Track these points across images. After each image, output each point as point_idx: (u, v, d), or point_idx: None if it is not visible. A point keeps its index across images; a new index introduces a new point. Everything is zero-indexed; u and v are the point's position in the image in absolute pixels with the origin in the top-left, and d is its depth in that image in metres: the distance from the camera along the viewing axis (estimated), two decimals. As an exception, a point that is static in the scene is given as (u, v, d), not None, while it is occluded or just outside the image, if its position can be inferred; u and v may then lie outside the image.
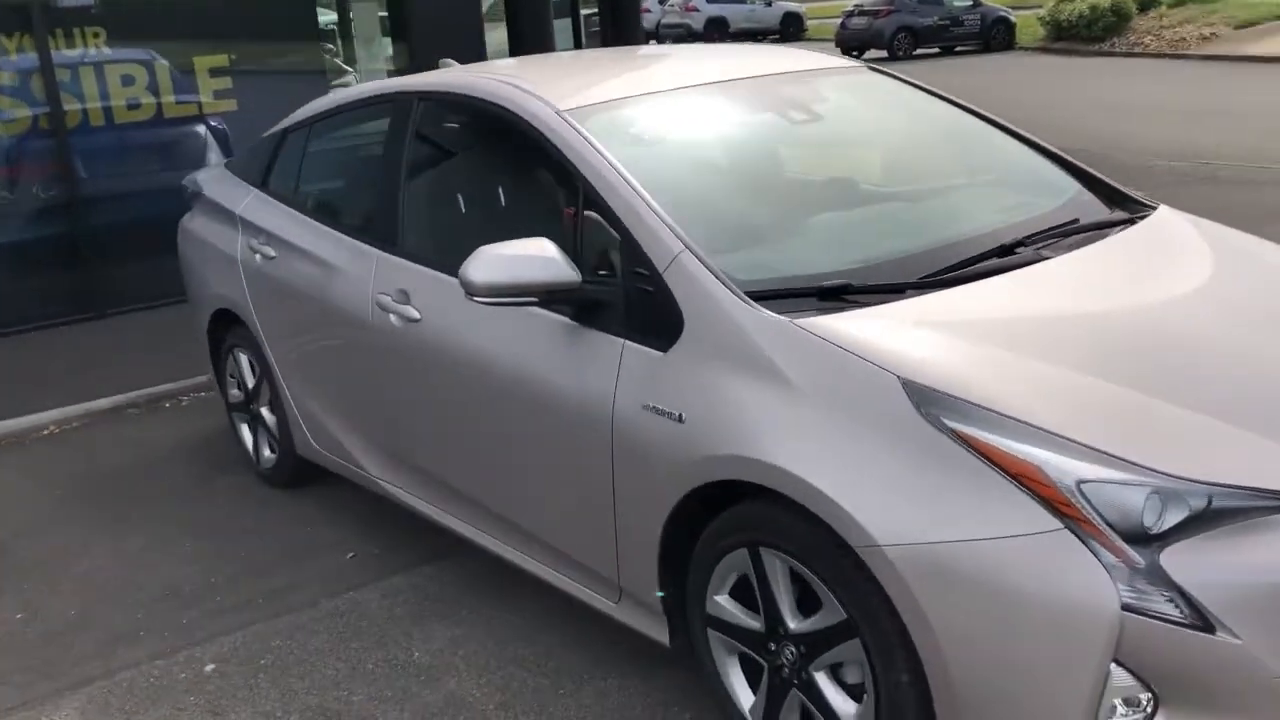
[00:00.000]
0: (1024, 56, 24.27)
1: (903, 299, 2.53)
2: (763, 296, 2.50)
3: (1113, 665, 1.96)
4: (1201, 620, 1.93)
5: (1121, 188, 3.31)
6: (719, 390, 2.43)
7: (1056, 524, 2.00)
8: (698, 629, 2.67)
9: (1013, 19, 26.94)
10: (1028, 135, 3.50)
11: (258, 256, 4.11)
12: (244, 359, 4.43)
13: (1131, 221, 3.05)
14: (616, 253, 2.77)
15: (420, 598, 3.56)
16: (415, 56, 7.71)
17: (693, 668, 2.97)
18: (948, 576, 2.06)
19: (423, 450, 3.43)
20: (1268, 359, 2.39)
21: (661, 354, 2.57)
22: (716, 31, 32.53)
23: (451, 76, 3.62)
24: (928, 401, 2.17)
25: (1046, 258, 2.75)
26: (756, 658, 2.53)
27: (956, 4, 26.52)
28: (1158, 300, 2.60)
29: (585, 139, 2.88)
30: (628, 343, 2.65)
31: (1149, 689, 1.99)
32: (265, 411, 4.40)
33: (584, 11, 11.50)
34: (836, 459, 2.23)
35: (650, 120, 3.15)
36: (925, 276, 2.62)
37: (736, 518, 2.47)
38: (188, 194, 4.82)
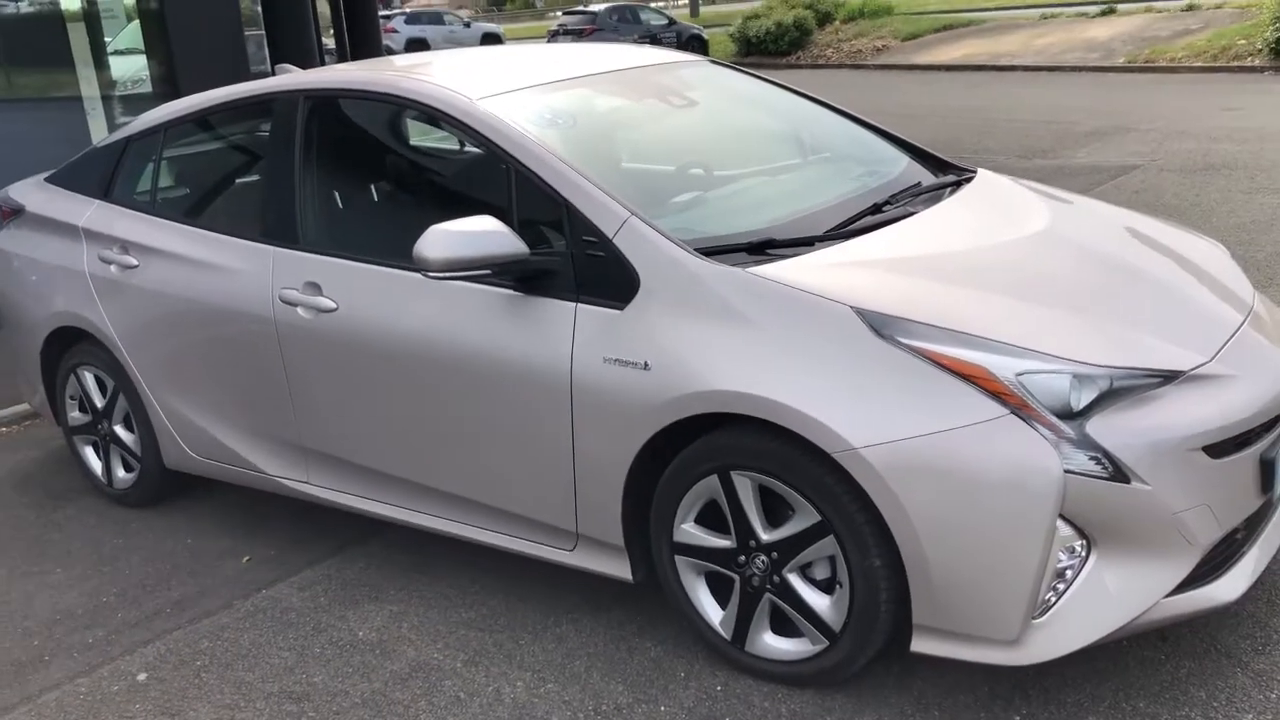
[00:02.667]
0: (720, 70, 25.77)
1: (814, 250, 2.92)
2: (703, 253, 2.82)
3: (1058, 520, 2.42)
4: (1120, 474, 2.42)
5: (942, 155, 3.87)
6: (684, 336, 2.73)
7: (1003, 410, 2.44)
8: (665, 558, 2.94)
9: (705, 36, 28.61)
10: (855, 114, 4.02)
11: (113, 267, 4.01)
12: (89, 377, 4.28)
13: (961, 182, 3.59)
14: (552, 225, 3.01)
15: (339, 586, 3.62)
16: (176, 72, 7.48)
17: (638, 603, 3.27)
18: (917, 466, 2.45)
19: (341, 437, 3.50)
20: (1119, 276, 2.97)
21: (618, 311, 2.84)
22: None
23: (339, 75, 3.72)
24: (882, 324, 2.56)
25: (914, 212, 3.23)
26: (727, 573, 2.84)
27: (654, 23, 27.91)
28: (1021, 236, 3.14)
29: (511, 124, 3.11)
30: (580, 305, 2.90)
31: (1083, 536, 2.46)
32: (120, 429, 4.26)
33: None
34: (805, 382, 2.58)
35: (552, 107, 3.39)
36: (828, 231, 3.03)
37: (706, 448, 2.77)
38: (0, 212, 4.57)
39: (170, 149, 4.07)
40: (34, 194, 4.44)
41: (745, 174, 3.54)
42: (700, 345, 2.71)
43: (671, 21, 28.93)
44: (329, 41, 12.22)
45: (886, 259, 2.90)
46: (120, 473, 4.35)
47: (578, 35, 27.22)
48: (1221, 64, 15.71)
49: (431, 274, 2.92)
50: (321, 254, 3.43)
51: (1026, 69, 18.59)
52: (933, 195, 3.43)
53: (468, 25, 36.59)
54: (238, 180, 4.11)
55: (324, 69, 4.06)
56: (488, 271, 2.93)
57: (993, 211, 3.35)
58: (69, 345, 4.31)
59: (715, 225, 3.08)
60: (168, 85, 7.57)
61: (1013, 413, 2.43)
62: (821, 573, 2.73)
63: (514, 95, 3.31)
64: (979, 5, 28.90)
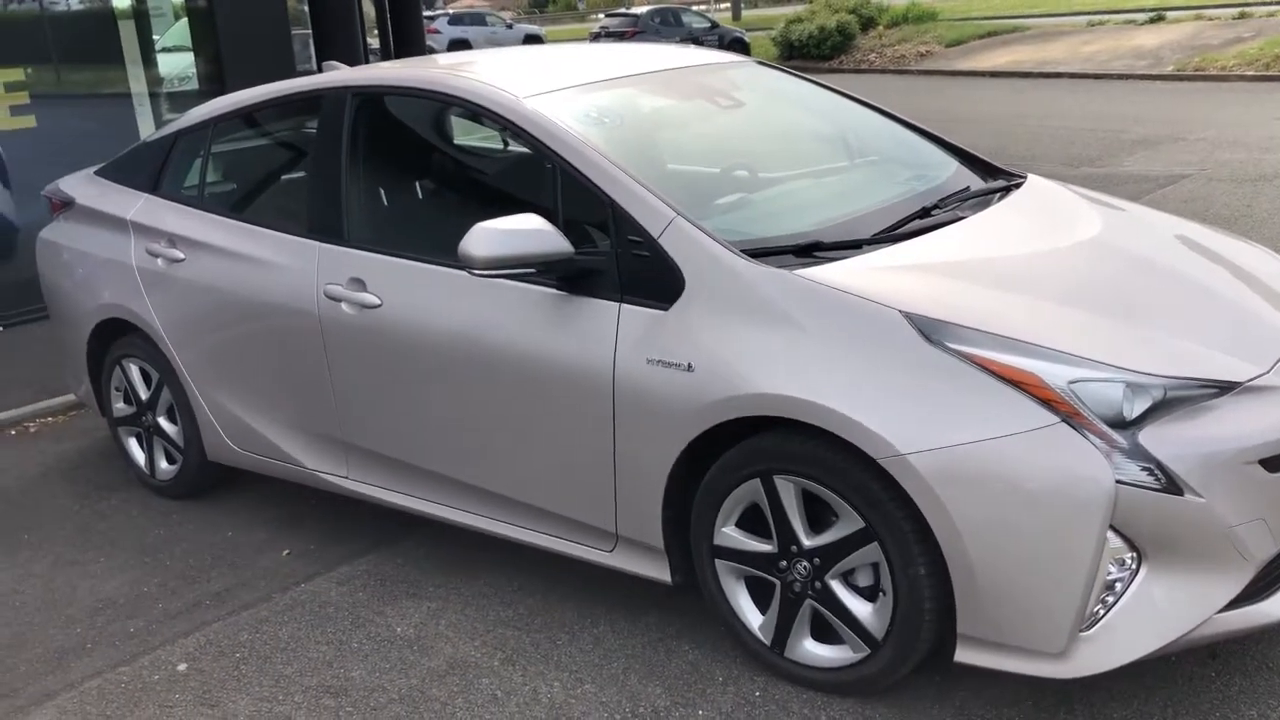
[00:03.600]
0: (762, 74, 25.69)
1: (862, 253, 2.89)
2: (749, 254, 2.80)
3: (1109, 532, 2.37)
4: (1174, 485, 2.37)
5: (992, 160, 3.82)
6: (729, 338, 2.71)
7: (1054, 419, 2.39)
8: (705, 561, 2.92)
9: (747, 39, 28.55)
10: (902, 117, 3.97)
11: (160, 260, 4.04)
12: (134, 369, 4.31)
13: (1010, 188, 3.53)
14: (597, 224, 3.00)
15: (378, 582, 3.63)
16: (224, 70, 7.56)
17: (676, 606, 3.25)
18: (966, 473, 2.42)
19: (382, 433, 3.51)
20: (1171, 284, 2.92)
21: (662, 312, 2.82)
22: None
23: (387, 72, 3.73)
24: (932, 330, 2.53)
25: (963, 217, 3.19)
26: (768, 578, 2.82)
27: (696, 25, 27.88)
28: (1072, 243, 3.09)
29: (557, 123, 3.10)
30: (624, 305, 2.89)
31: (1134, 548, 2.41)
32: (163, 421, 4.30)
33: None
34: (853, 386, 2.55)
35: (598, 106, 3.38)
36: (876, 234, 3.00)
37: (748, 452, 2.74)
38: (51, 204, 4.63)
39: (218, 144, 4.10)
40: (83, 187, 4.49)
41: (791, 176, 3.51)
42: (745, 347, 2.68)
43: (714, 24, 28.93)
44: (373, 41, 12.32)
45: (935, 263, 2.87)
46: (163, 464, 4.38)
47: (620, 37, 27.25)
48: (1274, 73, 15.46)
49: (476, 271, 2.92)
50: (367, 250, 3.44)
51: (1073, 76, 18.39)
52: (982, 200, 3.38)
53: (510, 27, 36.76)
54: (284, 176, 4.13)
55: (371, 66, 4.08)
56: (532, 270, 2.92)
57: (1043, 217, 3.30)
58: (115, 337, 4.35)
59: (761, 227, 3.05)
60: (215, 82, 7.65)
61: (1064, 421, 2.39)
62: (864, 579, 2.70)
63: (560, 94, 3.30)
64: (1025, 11, 28.67)
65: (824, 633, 2.80)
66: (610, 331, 2.89)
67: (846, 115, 3.95)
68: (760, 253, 2.82)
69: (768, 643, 2.87)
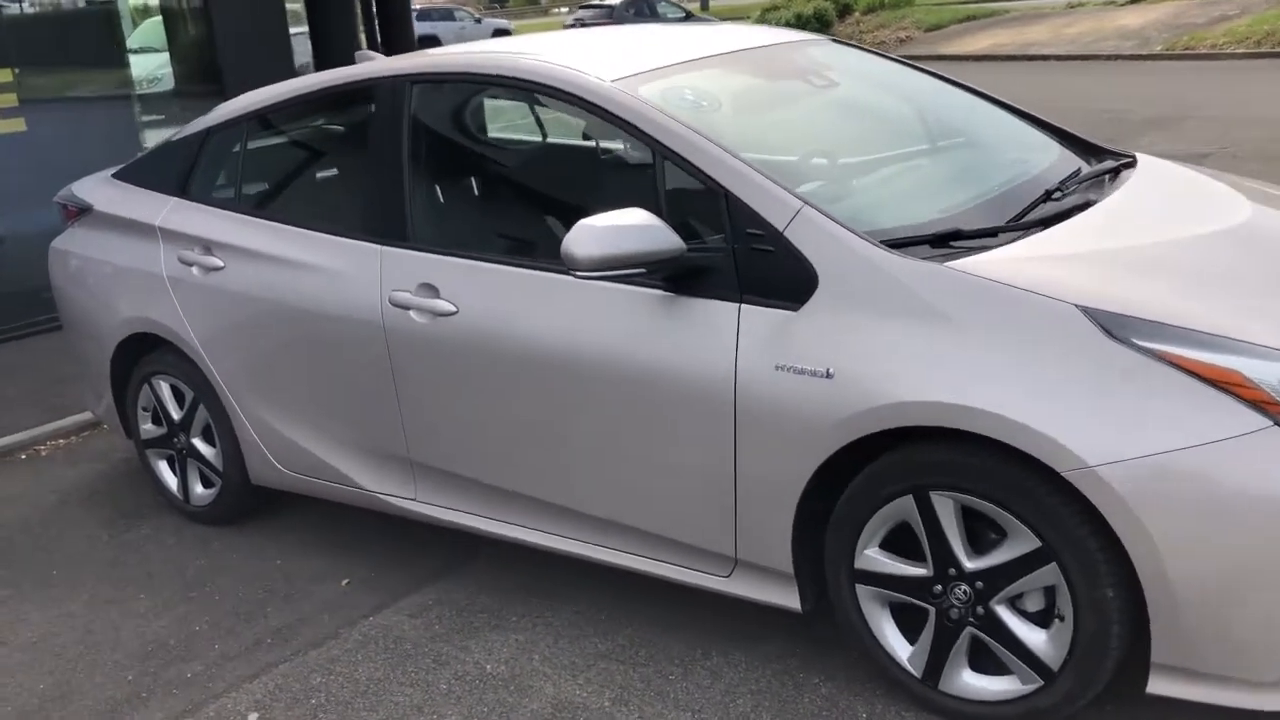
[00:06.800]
0: (740, 63, 25.46)
1: (1005, 243, 2.62)
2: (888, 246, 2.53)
3: (1330, 546, 2.12)
4: (1398, 492, 2.12)
5: (1092, 139, 3.56)
6: (876, 341, 2.44)
7: (1265, 422, 2.14)
8: (843, 586, 2.65)
9: (722, 29, 28.31)
10: (992, 95, 3.72)
11: (195, 269, 3.72)
12: (165, 387, 3.99)
13: (1121, 169, 3.27)
14: (705, 217, 2.72)
15: (453, 612, 3.33)
16: (224, 69, 7.21)
17: (792, 633, 2.98)
18: (1164, 486, 2.16)
19: (459, 452, 3.21)
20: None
21: (792, 312, 2.55)
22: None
23: (447, 58, 3.42)
24: (1115, 325, 2.26)
25: (1094, 201, 2.93)
26: (921, 604, 2.55)
27: (670, 15, 27.57)
28: (1229, 226, 2.83)
29: (655, 107, 2.81)
30: (744, 306, 2.61)
31: (1353, 567, 2.17)
32: (199, 442, 3.98)
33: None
34: (1026, 391, 2.28)
35: (687, 88, 3.09)
36: (1010, 221, 2.73)
37: (899, 465, 2.48)
38: (64, 211, 4.29)
39: (255, 141, 3.78)
40: (101, 191, 4.15)
41: (898, 158, 3.23)
42: (897, 351, 2.41)
43: (688, 14, 28.64)
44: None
45: (1087, 252, 2.60)
46: (198, 488, 4.06)
47: (595, 29, 26.95)
48: (1266, 50, 15.37)
49: (580, 273, 2.63)
50: (437, 253, 3.14)
51: (1059, 58, 18.27)
52: (1100, 182, 3.13)
53: (479, 21, 36.30)
54: (334, 174, 3.82)
55: (426, 53, 3.75)
56: (641, 270, 2.64)
57: (1184, 200, 3.05)
58: (142, 353, 4.02)
59: (884, 215, 2.77)
60: (213, 83, 7.29)
61: (1276, 424, 2.14)
62: (1034, 604, 2.44)
63: (646, 75, 3.01)
64: (1001, -6, 28.54)
65: (980, 661, 2.55)
66: (729, 336, 2.61)
67: (935, 94, 3.68)
68: (897, 243, 2.55)
69: (918, 675, 2.60)
